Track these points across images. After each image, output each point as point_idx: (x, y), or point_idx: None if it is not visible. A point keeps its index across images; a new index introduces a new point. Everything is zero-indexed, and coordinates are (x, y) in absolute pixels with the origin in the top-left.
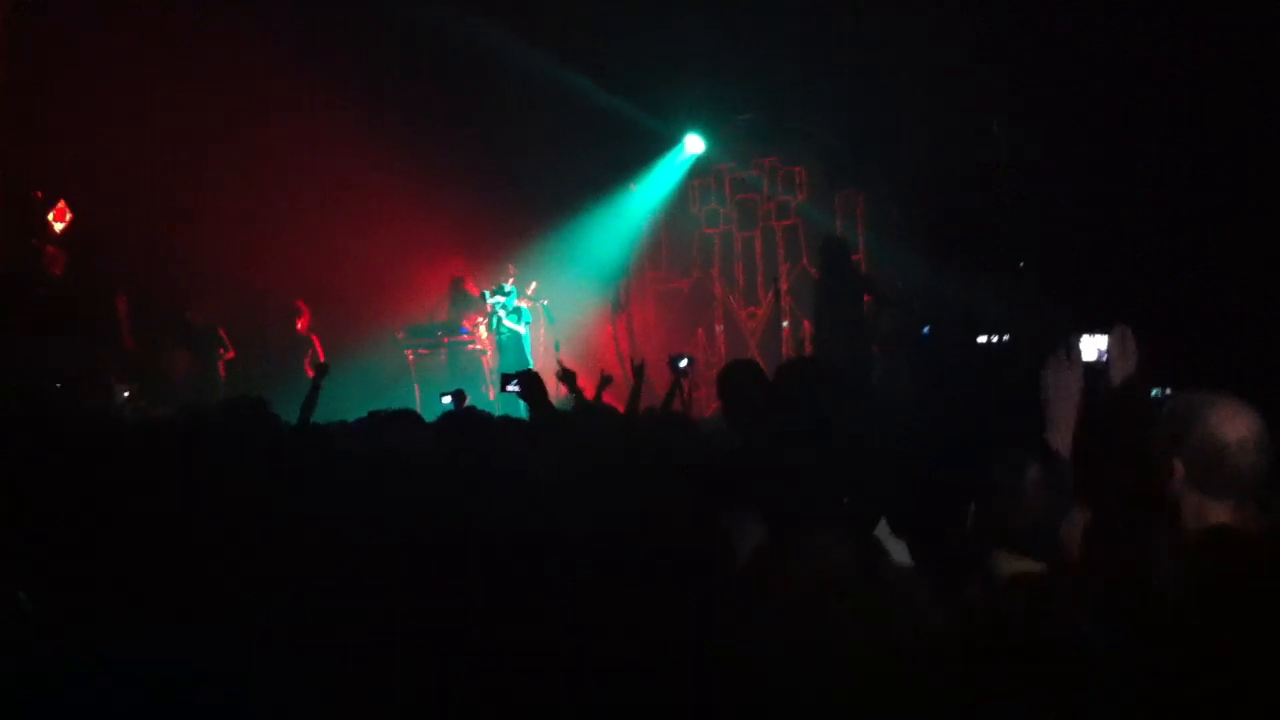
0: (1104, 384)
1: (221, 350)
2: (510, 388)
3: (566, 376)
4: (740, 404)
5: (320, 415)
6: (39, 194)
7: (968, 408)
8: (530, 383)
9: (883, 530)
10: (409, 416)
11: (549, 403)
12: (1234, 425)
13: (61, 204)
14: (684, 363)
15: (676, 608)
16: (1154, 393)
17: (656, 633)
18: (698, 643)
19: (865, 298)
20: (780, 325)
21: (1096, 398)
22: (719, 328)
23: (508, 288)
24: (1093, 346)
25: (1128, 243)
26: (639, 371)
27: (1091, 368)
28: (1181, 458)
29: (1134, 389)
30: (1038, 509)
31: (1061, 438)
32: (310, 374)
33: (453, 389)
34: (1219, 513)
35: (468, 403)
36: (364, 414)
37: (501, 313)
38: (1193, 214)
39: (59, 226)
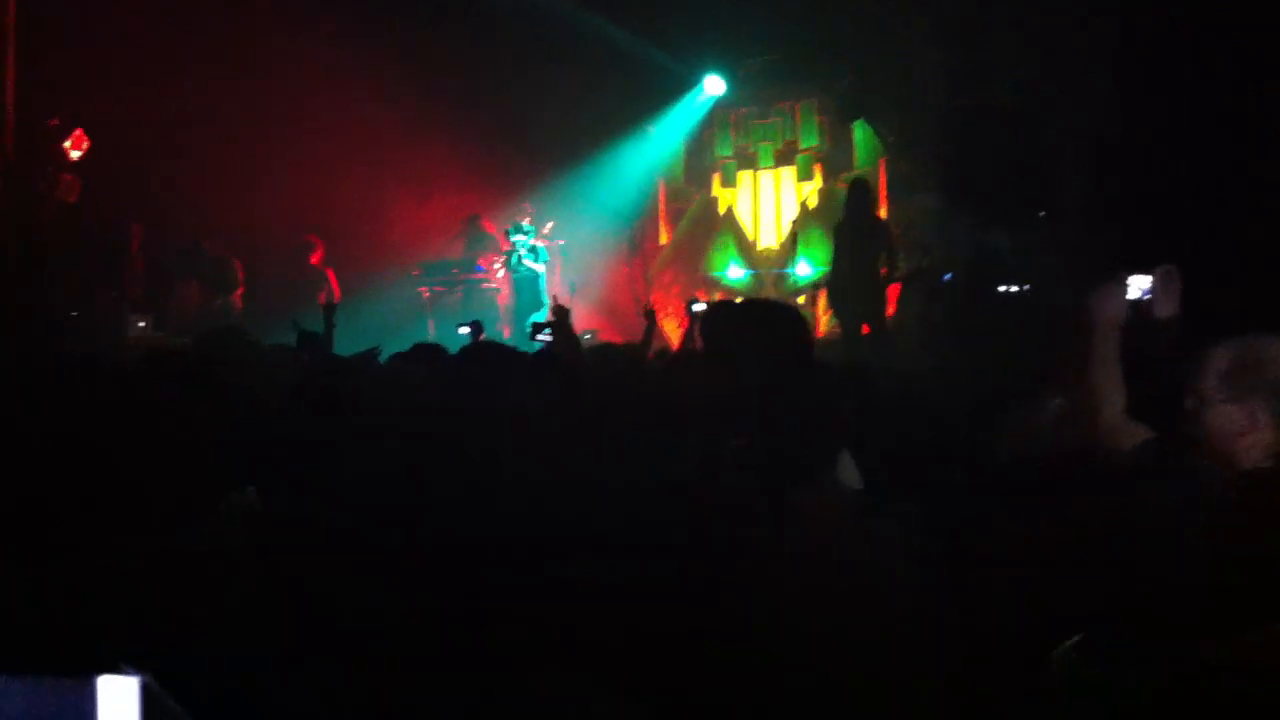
0: (1151, 322)
1: (235, 284)
2: (541, 337)
3: (559, 312)
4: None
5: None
6: (55, 121)
7: (984, 357)
8: (560, 330)
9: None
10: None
11: (579, 349)
12: None
13: (79, 131)
14: (698, 307)
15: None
16: None
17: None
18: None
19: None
20: (795, 265)
21: (1143, 336)
22: (736, 270)
23: (526, 226)
24: (1136, 285)
25: (1154, 186)
26: (650, 316)
27: (1135, 304)
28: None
29: (1178, 327)
30: (1047, 455)
31: (1108, 372)
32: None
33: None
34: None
35: (483, 337)
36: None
37: (522, 251)
38: (1223, 158)
39: (75, 154)
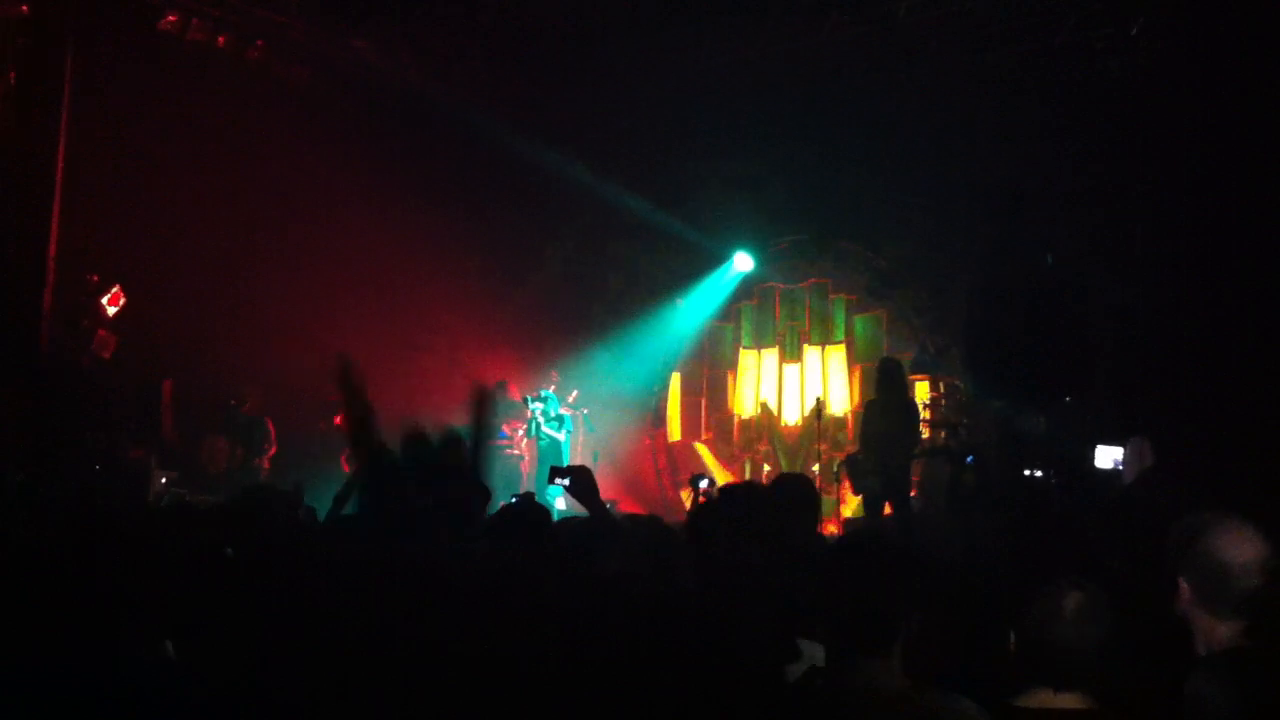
0: (1120, 486)
1: (266, 445)
2: (559, 481)
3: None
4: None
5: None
6: (94, 278)
7: (1007, 539)
8: (581, 478)
9: None
10: None
11: (599, 499)
12: (1238, 548)
13: (117, 289)
14: (704, 483)
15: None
16: None
17: None
18: None
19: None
20: (817, 442)
21: (1111, 505)
22: (763, 447)
23: (546, 394)
24: (1108, 456)
25: (1180, 370)
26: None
27: (1107, 475)
28: (1187, 578)
29: (1147, 497)
30: (1076, 639)
31: None
32: (346, 469)
33: (496, 491)
34: (1227, 634)
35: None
36: None
37: (541, 419)
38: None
39: (112, 311)
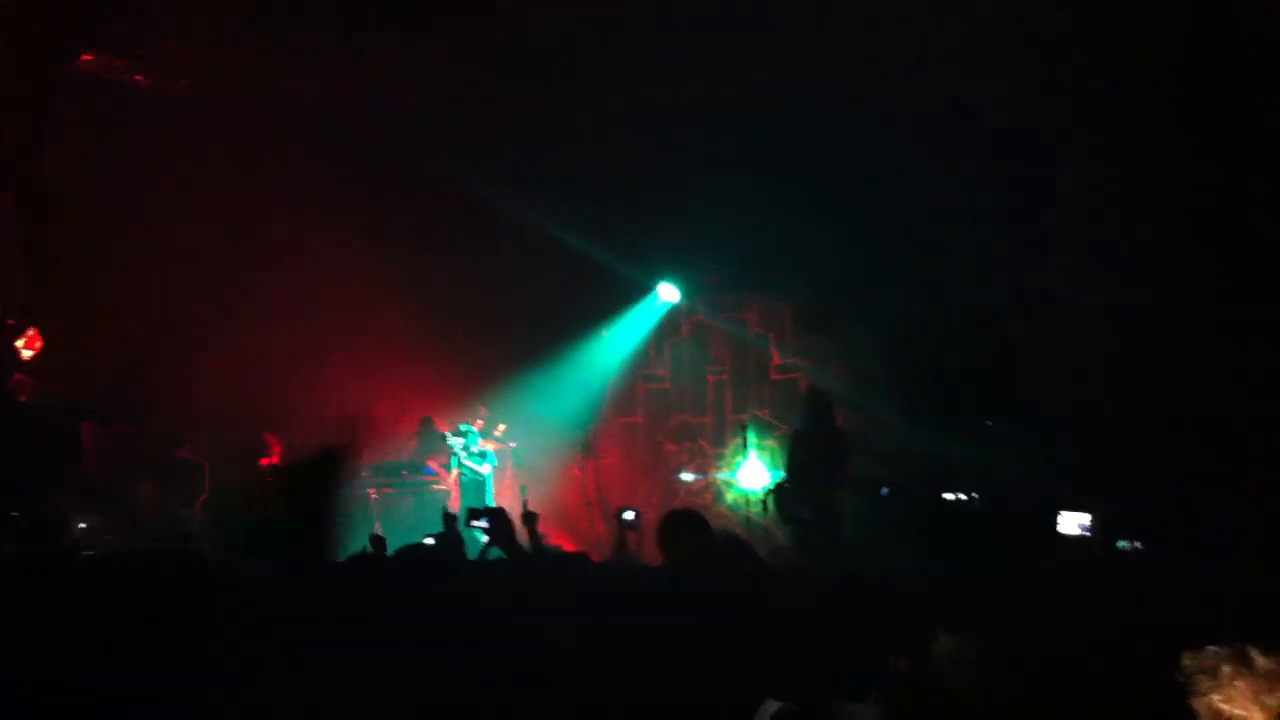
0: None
1: (199, 491)
2: (476, 523)
3: (529, 519)
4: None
5: None
6: (10, 321)
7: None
8: (498, 521)
9: None
10: None
11: (516, 542)
12: None
13: (33, 332)
14: (630, 515)
15: None
16: (1121, 545)
17: None
18: None
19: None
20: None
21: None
22: (689, 474)
23: (466, 428)
24: (1074, 522)
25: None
26: (620, 521)
27: (1074, 541)
28: None
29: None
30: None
31: None
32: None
33: (417, 528)
34: None
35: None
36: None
37: (462, 454)
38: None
39: (28, 354)
